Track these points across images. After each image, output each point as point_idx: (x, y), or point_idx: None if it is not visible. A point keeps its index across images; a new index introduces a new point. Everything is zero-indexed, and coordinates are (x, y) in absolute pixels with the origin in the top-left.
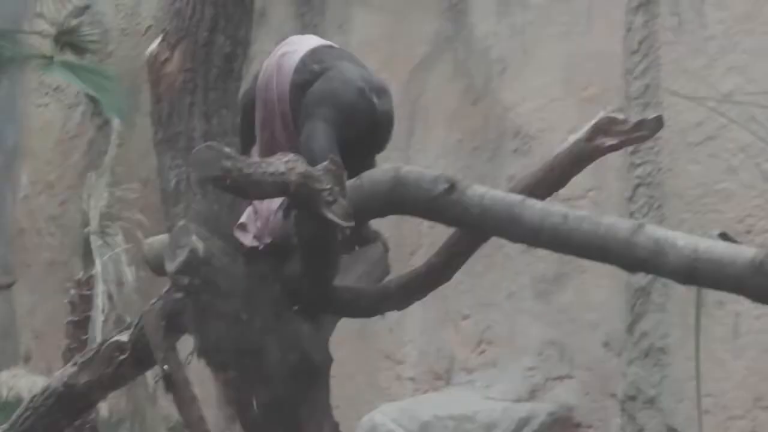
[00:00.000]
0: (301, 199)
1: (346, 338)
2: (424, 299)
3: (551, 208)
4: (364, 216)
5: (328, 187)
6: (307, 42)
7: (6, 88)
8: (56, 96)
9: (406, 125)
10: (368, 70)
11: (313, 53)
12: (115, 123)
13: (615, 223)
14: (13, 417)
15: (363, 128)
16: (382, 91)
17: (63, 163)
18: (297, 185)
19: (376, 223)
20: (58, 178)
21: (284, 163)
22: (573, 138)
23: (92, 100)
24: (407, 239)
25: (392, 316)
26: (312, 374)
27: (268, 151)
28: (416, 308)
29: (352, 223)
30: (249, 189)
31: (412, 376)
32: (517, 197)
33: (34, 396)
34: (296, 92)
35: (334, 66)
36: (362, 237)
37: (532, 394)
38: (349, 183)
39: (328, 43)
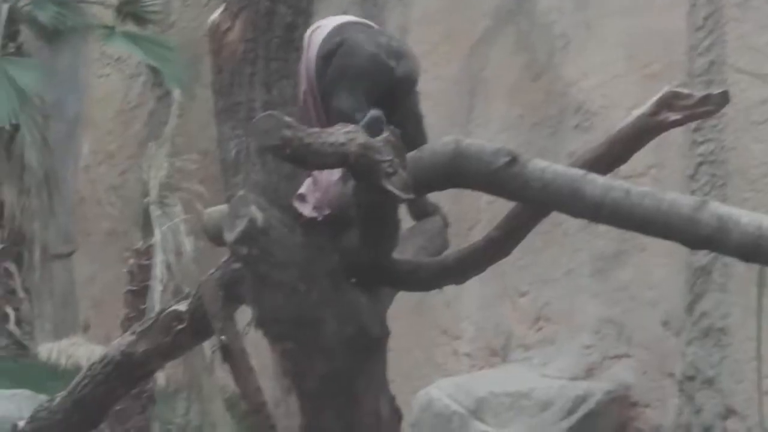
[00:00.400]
0: (360, 170)
1: (403, 312)
2: (482, 275)
3: (613, 183)
4: (424, 188)
5: (389, 158)
6: (337, 19)
7: (68, 58)
8: (118, 66)
9: (467, 100)
10: (390, 39)
11: (338, 28)
12: (176, 94)
13: (678, 199)
14: (72, 384)
15: (380, 90)
16: (400, 55)
17: (123, 134)
18: (357, 156)
19: (434, 197)
20: (118, 148)
21: (344, 134)
22: (637, 112)
23: (153, 70)
24: (466, 214)
25: (450, 291)
26: (369, 347)
27: (306, 122)
28: (474, 284)
29: (411, 195)
30: (308, 159)
31: (468, 351)
32: (578, 172)
33: (93, 364)
34: (321, 64)
35: (350, 37)
36: (421, 210)
37: (589, 373)
38: (409, 155)
39: (358, 19)
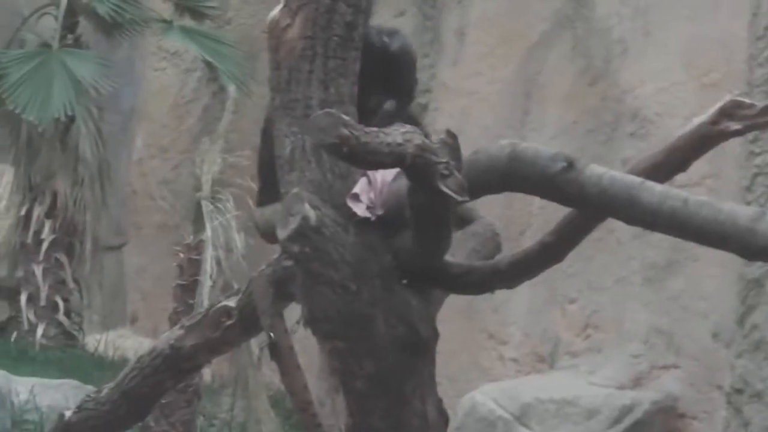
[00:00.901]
0: (416, 171)
1: (451, 315)
2: (532, 280)
3: (671, 192)
4: (479, 191)
5: (445, 160)
6: None
7: (125, 51)
8: (174, 60)
9: (522, 103)
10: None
11: None
12: (231, 90)
13: (736, 209)
14: (120, 376)
15: (378, 66)
16: (393, 32)
17: (177, 128)
18: (413, 157)
19: (487, 201)
20: (171, 142)
21: (402, 134)
22: (697, 120)
23: (209, 66)
24: (517, 218)
25: (498, 295)
26: (418, 348)
27: None
28: (523, 289)
29: (467, 198)
30: (365, 158)
31: (515, 357)
32: (636, 179)
33: (141, 356)
34: None
35: None
36: (465, 216)
37: (637, 382)
38: (465, 157)
39: None
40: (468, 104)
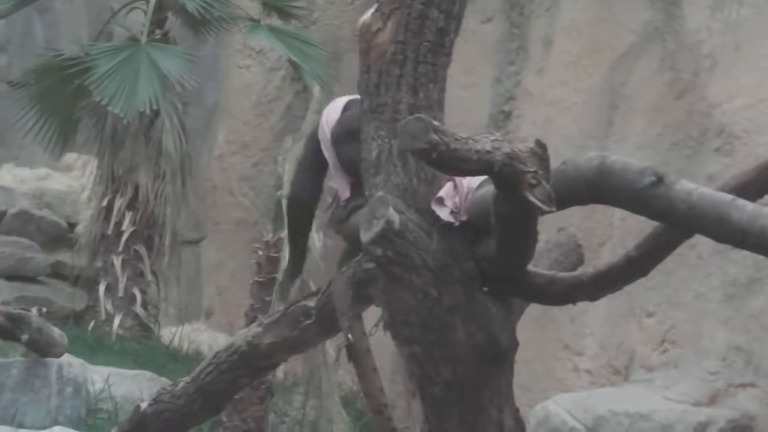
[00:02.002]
0: (504, 179)
1: (526, 323)
2: None
3: (762, 211)
4: (565, 202)
5: (533, 169)
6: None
7: (211, 47)
8: (258, 59)
9: (606, 114)
10: None
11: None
12: (315, 90)
13: None
14: (196, 370)
15: None
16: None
17: (259, 125)
18: (502, 165)
19: (567, 211)
20: (253, 139)
21: (490, 142)
22: None
23: (294, 65)
24: (597, 230)
25: (575, 306)
26: (497, 357)
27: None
28: (600, 301)
29: (554, 208)
30: (453, 164)
31: (589, 368)
32: (726, 196)
33: (218, 352)
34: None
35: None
36: None
37: (713, 400)
38: (553, 168)
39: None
40: (552, 113)
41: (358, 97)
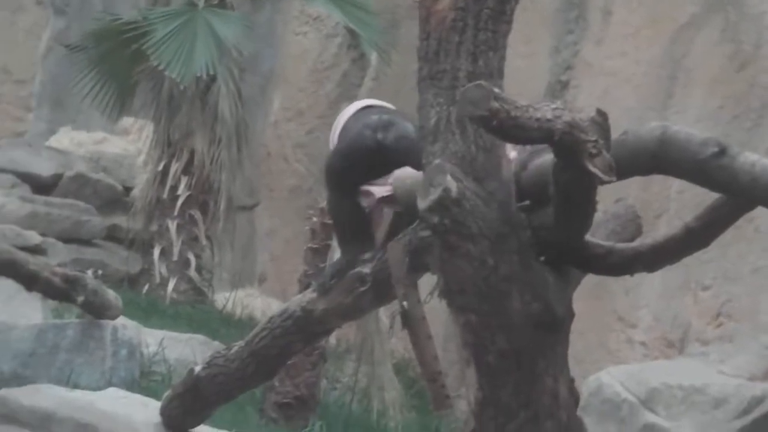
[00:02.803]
0: (564, 148)
1: (581, 295)
2: None
3: None
4: (626, 172)
5: (594, 138)
6: (354, 108)
7: (268, 13)
8: (315, 25)
9: (666, 86)
10: (383, 114)
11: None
12: (373, 57)
13: None
14: (250, 335)
15: (372, 161)
16: (388, 126)
17: (315, 92)
18: (562, 134)
19: (625, 184)
20: (309, 106)
21: (551, 110)
22: None
23: (351, 32)
24: (654, 203)
25: (630, 277)
26: (553, 327)
27: None
28: (656, 274)
29: (614, 178)
30: (513, 132)
31: (643, 340)
32: None
33: (272, 317)
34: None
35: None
36: None
37: None
38: (614, 138)
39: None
40: (610, 84)
41: (371, 103)
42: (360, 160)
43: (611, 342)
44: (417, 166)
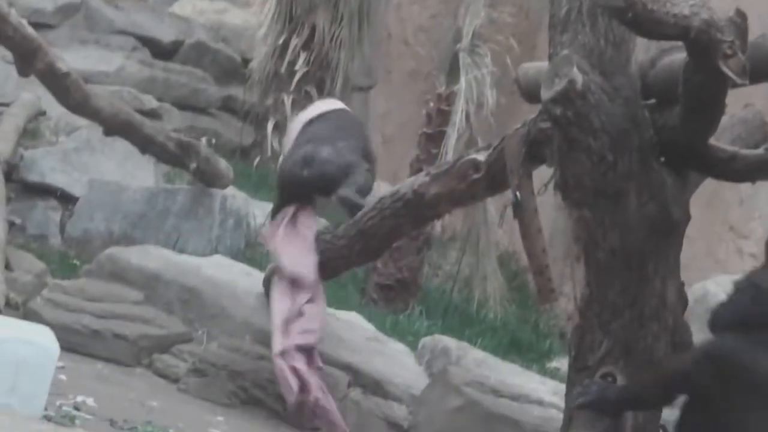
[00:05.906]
0: (699, 46)
1: (694, 202)
2: None
3: None
4: (760, 77)
5: (730, 39)
6: (308, 114)
7: None
8: None
9: None
10: (316, 147)
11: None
12: None
13: None
14: (359, 214)
15: (298, 193)
16: (310, 162)
17: None
18: (698, 31)
19: (751, 90)
20: None
21: (689, 6)
22: None
23: None
24: None
25: (745, 188)
26: (668, 229)
27: None
28: None
29: (746, 81)
30: (648, 26)
31: (753, 252)
32: None
33: (382, 197)
34: None
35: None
36: None
37: None
38: (751, 40)
39: (334, 108)
40: None
41: (319, 112)
42: (289, 190)
43: (720, 251)
44: (334, 188)
